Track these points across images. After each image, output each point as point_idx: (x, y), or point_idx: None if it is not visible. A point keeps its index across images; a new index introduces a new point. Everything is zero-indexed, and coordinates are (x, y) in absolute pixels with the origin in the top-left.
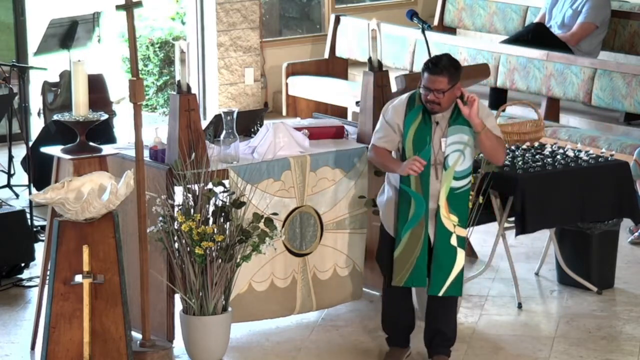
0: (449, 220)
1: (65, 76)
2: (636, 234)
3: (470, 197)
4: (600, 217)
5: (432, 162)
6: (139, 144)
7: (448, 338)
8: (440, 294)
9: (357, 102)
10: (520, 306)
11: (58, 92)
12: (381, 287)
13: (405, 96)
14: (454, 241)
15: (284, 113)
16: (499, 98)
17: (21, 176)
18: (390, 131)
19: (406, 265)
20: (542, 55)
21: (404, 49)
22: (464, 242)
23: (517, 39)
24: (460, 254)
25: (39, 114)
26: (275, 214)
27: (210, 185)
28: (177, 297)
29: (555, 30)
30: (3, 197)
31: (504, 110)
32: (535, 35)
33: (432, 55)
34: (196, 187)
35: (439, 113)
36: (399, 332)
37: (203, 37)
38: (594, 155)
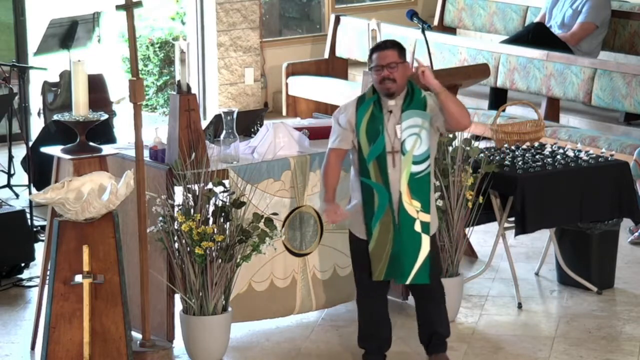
0: (412, 206)
1: (65, 76)
2: (636, 234)
3: (470, 197)
4: (600, 217)
5: (390, 150)
6: (139, 144)
7: (443, 337)
8: (407, 282)
9: None
10: (520, 306)
11: (58, 92)
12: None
13: (354, 98)
14: (417, 227)
15: (284, 113)
16: (499, 98)
17: (21, 176)
18: (343, 130)
19: (382, 256)
20: (542, 55)
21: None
22: (429, 228)
23: (517, 39)
24: (425, 240)
25: (39, 114)
26: (275, 214)
27: (210, 185)
28: (177, 297)
29: (555, 30)
30: (3, 197)
31: (504, 110)
32: (535, 35)
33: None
34: (196, 187)
35: (395, 94)
36: (374, 347)
37: (203, 37)
38: (594, 155)
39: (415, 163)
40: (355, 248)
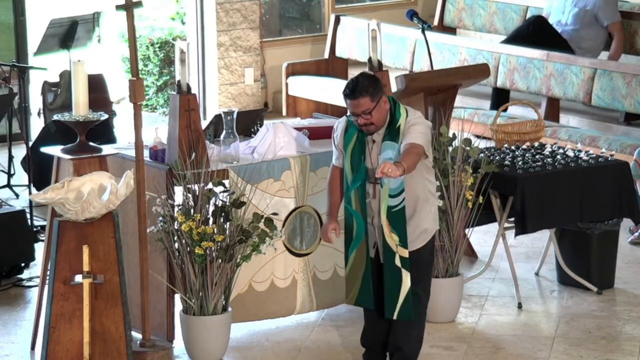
0: (392, 240)
1: (65, 76)
2: (636, 234)
3: (470, 197)
4: (600, 217)
5: (372, 180)
6: (139, 144)
7: (406, 356)
8: (394, 317)
9: None
10: (520, 306)
11: (58, 92)
12: None
13: (345, 117)
14: (397, 262)
15: (284, 113)
16: (501, 98)
17: (21, 176)
18: (336, 151)
19: (355, 284)
20: (542, 55)
21: (404, 49)
22: (408, 263)
23: (517, 34)
24: (406, 276)
25: (39, 114)
26: (275, 214)
27: (210, 185)
28: (177, 297)
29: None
30: (3, 197)
31: (505, 110)
32: (535, 29)
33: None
34: (196, 187)
35: (374, 132)
36: (372, 348)
37: (203, 37)
38: (594, 155)
39: (391, 196)
40: None
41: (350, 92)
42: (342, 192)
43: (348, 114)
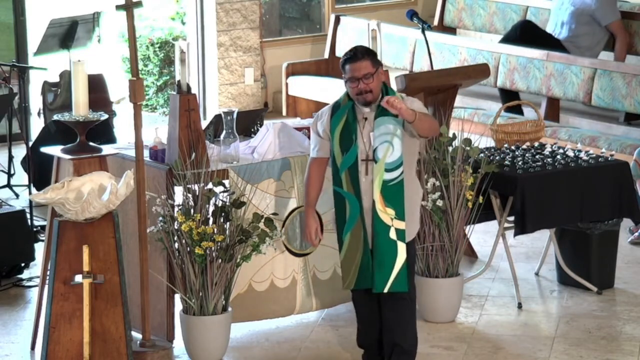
0: (386, 214)
1: (65, 76)
2: (636, 234)
3: (470, 197)
4: (600, 217)
5: (363, 158)
6: (139, 144)
7: (405, 351)
8: (385, 290)
9: None
10: (520, 306)
11: (58, 92)
12: None
13: (328, 106)
14: (393, 235)
15: (284, 113)
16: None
17: (21, 176)
18: (320, 139)
19: (352, 267)
20: (542, 55)
21: (404, 49)
22: (404, 235)
23: (507, 38)
24: (401, 247)
25: (39, 114)
26: (275, 214)
27: (210, 185)
28: (177, 297)
29: (557, 30)
30: (3, 197)
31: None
32: (523, 32)
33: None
34: (196, 187)
35: (372, 103)
36: (373, 346)
37: (203, 37)
38: (594, 155)
39: (387, 170)
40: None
41: (353, 55)
42: (321, 186)
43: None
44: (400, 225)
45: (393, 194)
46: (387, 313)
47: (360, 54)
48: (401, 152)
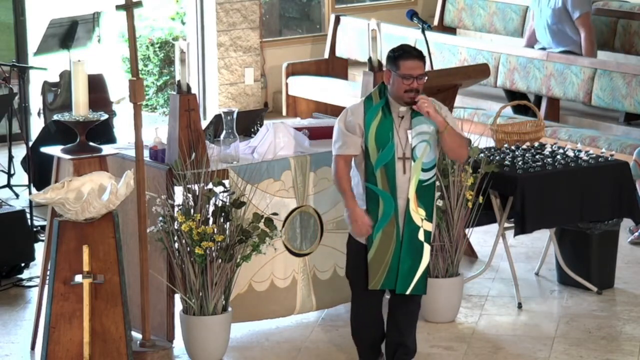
0: (418, 215)
1: (65, 76)
2: (636, 234)
3: (470, 197)
4: (600, 217)
5: (400, 156)
6: (139, 144)
7: (410, 351)
8: (408, 292)
9: None
10: (520, 306)
11: (58, 92)
12: None
13: (361, 99)
14: (421, 236)
15: (284, 113)
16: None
17: (21, 176)
18: (350, 135)
19: (381, 266)
20: (542, 55)
21: None
22: (430, 237)
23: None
24: (427, 250)
25: (39, 114)
26: (275, 214)
27: (210, 185)
28: (177, 297)
29: (545, 37)
30: (3, 197)
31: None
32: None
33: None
34: (196, 187)
35: (415, 104)
36: (370, 344)
37: (203, 37)
38: (594, 155)
39: (424, 170)
40: (355, 252)
41: (410, 53)
42: (351, 179)
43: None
44: (429, 226)
45: (426, 194)
46: (400, 314)
47: (418, 53)
48: (436, 154)
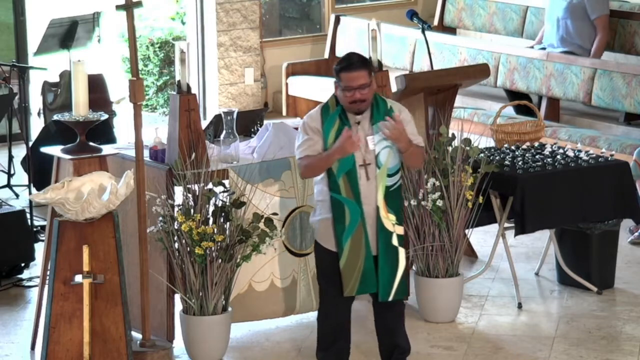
0: (389, 220)
1: (65, 76)
2: (636, 234)
3: (470, 197)
4: (600, 217)
5: (361, 163)
6: (139, 144)
7: (405, 350)
8: (390, 298)
9: None
10: (520, 306)
11: (58, 92)
12: None
13: (317, 107)
14: (395, 241)
15: (284, 113)
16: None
17: (21, 176)
18: (311, 137)
19: (354, 274)
20: (542, 55)
21: (404, 49)
22: (403, 241)
23: None
24: (402, 253)
25: (39, 114)
26: (275, 214)
27: (210, 185)
28: (177, 297)
29: (552, 30)
30: (3, 197)
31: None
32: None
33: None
34: (196, 187)
35: (364, 111)
36: (335, 353)
37: (203, 37)
38: (594, 155)
39: (389, 176)
40: (324, 260)
41: (349, 64)
42: None
43: (325, 102)
44: (400, 230)
45: (394, 199)
46: (388, 318)
47: (357, 63)
48: (399, 159)
